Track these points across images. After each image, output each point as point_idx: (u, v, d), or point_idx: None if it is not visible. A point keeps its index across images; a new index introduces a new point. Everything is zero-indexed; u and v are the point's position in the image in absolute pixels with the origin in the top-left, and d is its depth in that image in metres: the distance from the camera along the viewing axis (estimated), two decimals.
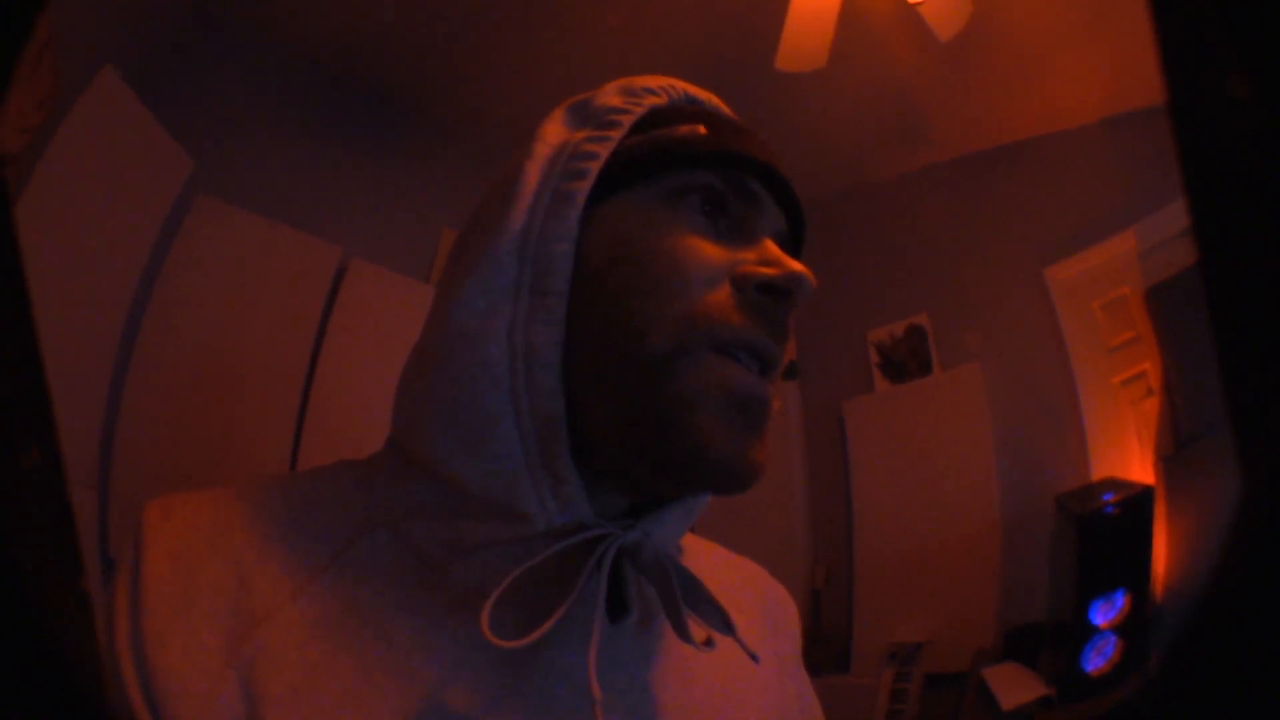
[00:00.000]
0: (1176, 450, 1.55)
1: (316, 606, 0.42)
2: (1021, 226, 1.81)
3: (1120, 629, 1.53)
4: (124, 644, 0.40)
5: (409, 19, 1.45)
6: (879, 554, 1.82)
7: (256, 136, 1.35)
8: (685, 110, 0.50)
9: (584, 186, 0.46)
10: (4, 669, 0.23)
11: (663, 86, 0.51)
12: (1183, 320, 1.51)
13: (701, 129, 0.48)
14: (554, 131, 0.49)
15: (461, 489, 0.44)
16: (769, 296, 0.45)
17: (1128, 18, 1.31)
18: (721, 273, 0.45)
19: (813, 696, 0.59)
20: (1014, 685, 1.57)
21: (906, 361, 1.91)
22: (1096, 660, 1.54)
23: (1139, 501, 1.54)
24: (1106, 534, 1.55)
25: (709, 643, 0.44)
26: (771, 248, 0.47)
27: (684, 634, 0.43)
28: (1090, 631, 1.54)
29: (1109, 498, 1.58)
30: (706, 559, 0.57)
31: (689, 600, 0.45)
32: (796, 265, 0.45)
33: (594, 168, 0.46)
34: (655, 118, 0.49)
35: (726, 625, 0.45)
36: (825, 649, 1.82)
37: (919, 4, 1.43)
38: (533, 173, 0.47)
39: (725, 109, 0.54)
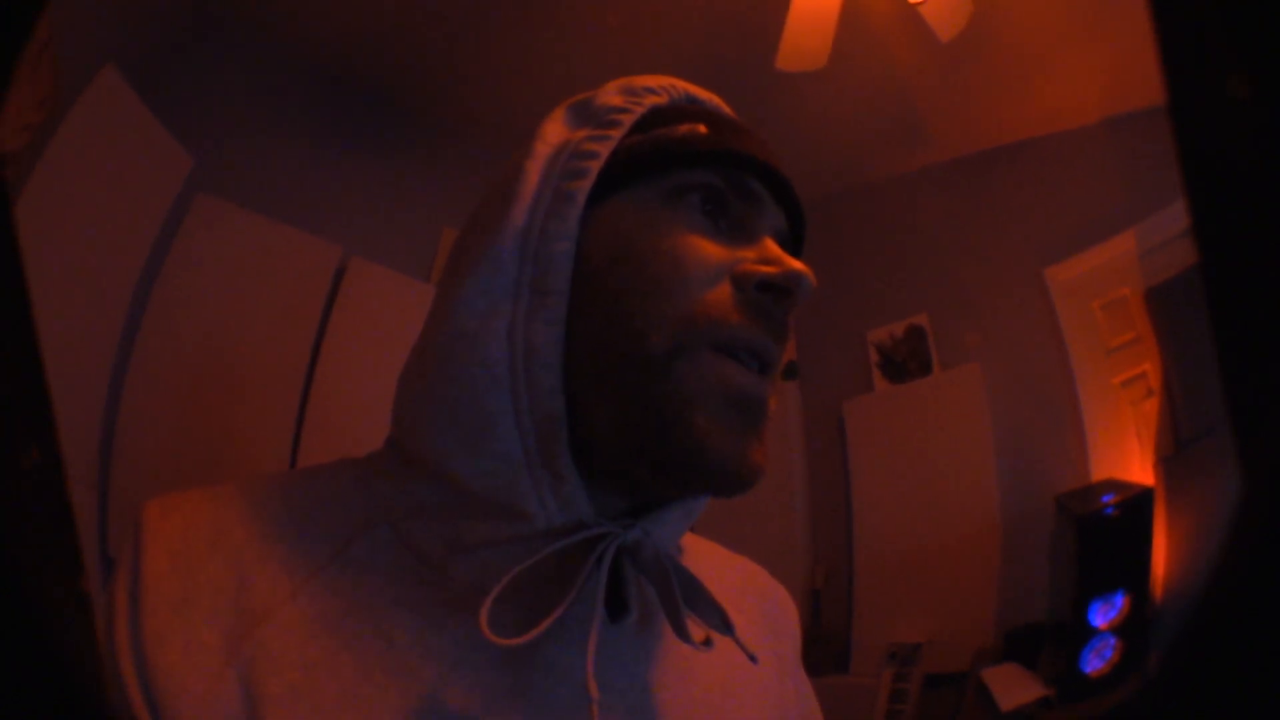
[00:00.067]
0: (1176, 451, 1.55)
1: (316, 605, 0.42)
2: (1022, 226, 1.81)
3: (1119, 630, 1.53)
4: (123, 643, 0.40)
5: (409, 19, 1.45)
6: (879, 554, 1.82)
7: (257, 136, 1.35)
8: (686, 109, 0.50)
9: (584, 186, 0.46)
10: (4, 669, 0.23)
11: (663, 86, 0.51)
12: (1183, 321, 1.51)
13: (702, 128, 0.48)
14: (554, 131, 0.49)
15: (461, 488, 0.44)
16: (769, 295, 0.45)
17: (1128, 18, 1.31)
18: (722, 271, 0.45)
19: (812, 697, 0.59)
20: (1013, 686, 1.57)
21: (906, 361, 1.91)
22: (1095, 661, 1.54)
23: (1139, 502, 1.54)
24: (1106, 535, 1.55)
25: (708, 642, 0.44)
26: (772, 246, 0.47)
27: (683, 634, 0.43)
28: (1089, 632, 1.54)
29: (1109, 498, 1.58)
30: (706, 559, 0.57)
31: (688, 600, 0.45)
32: (797, 264, 0.45)
33: (595, 167, 0.46)
34: (656, 117, 0.49)
35: (725, 625, 0.45)
36: (825, 649, 1.82)
37: (920, 4, 1.43)
38: (533, 172, 0.47)
39: (726, 108, 0.54)
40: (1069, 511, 1.61)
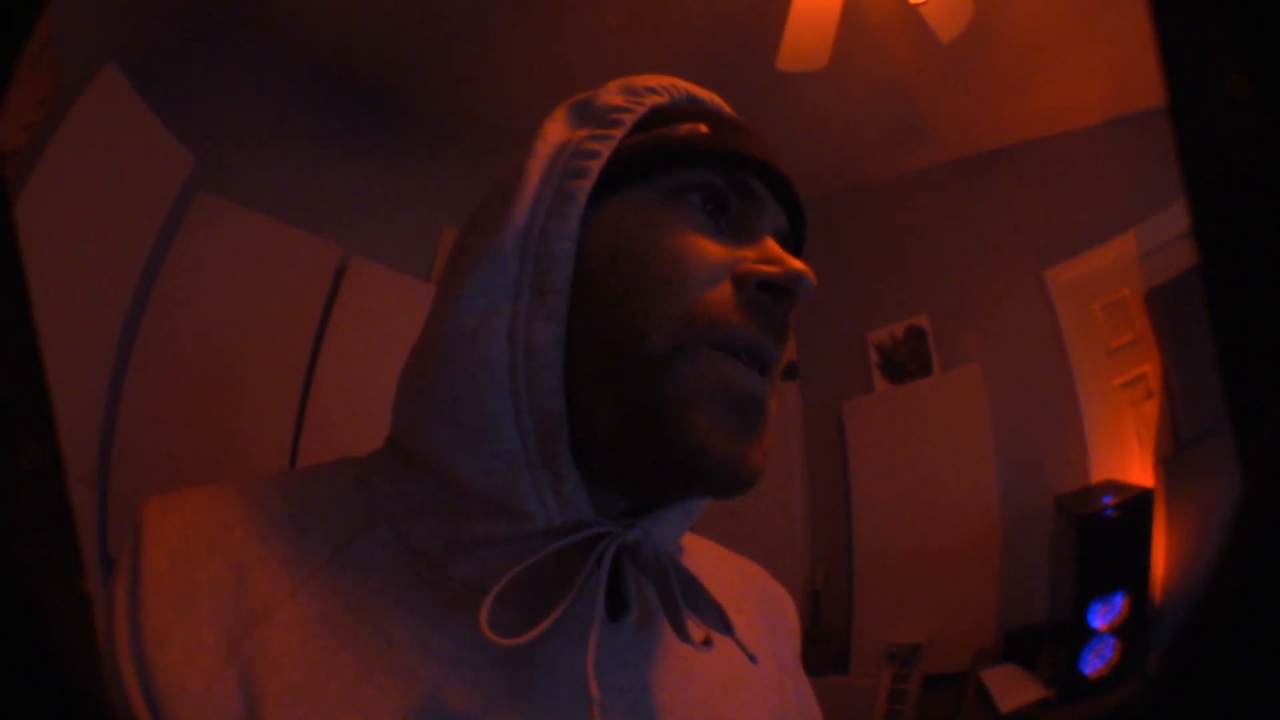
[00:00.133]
0: (1176, 452, 1.55)
1: (316, 604, 0.42)
2: (1022, 227, 1.81)
3: (1119, 631, 1.53)
4: (123, 642, 0.40)
5: (409, 19, 1.45)
6: (879, 554, 1.82)
7: (257, 135, 1.35)
8: (687, 109, 0.50)
9: (586, 185, 0.46)
10: (4, 669, 0.23)
11: (664, 86, 0.51)
12: (1183, 321, 1.51)
13: (703, 128, 0.48)
14: (556, 130, 0.49)
15: (461, 487, 0.44)
16: (769, 295, 0.45)
17: (1128, 18, 1.31)
18: (723, 271, 0.45)
19: (812, 697, 0.59)
20: (1013, 687, 1.57)
21: (906, 362, 1.91)
22: (1095, 662, 1.54)
23: (1138, 503, 1.54)
24: (1106, 536, 1.55)
25: (707, 642, 0.44)
26: (772, 246, 0.47)
27: (682, 634, 0.43)
28: (1089, 633, 1.54)
29: (1109, 500, 1.58)
30: (706, 559, 0.57)
31: (688, 600, 0.45)
32: (797, 263, 0.45)
33: (596, 166, 0.46)
34: (657, 117, 0.49)
35: (725, 625, 0.45)
36: (825, 649, 1.82)
37: (921, 4, 1.43)
38: (534, 171, 0.47)
39: (727, 108, 0.54)
40: (1069, 512, 1.61)
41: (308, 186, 1.41)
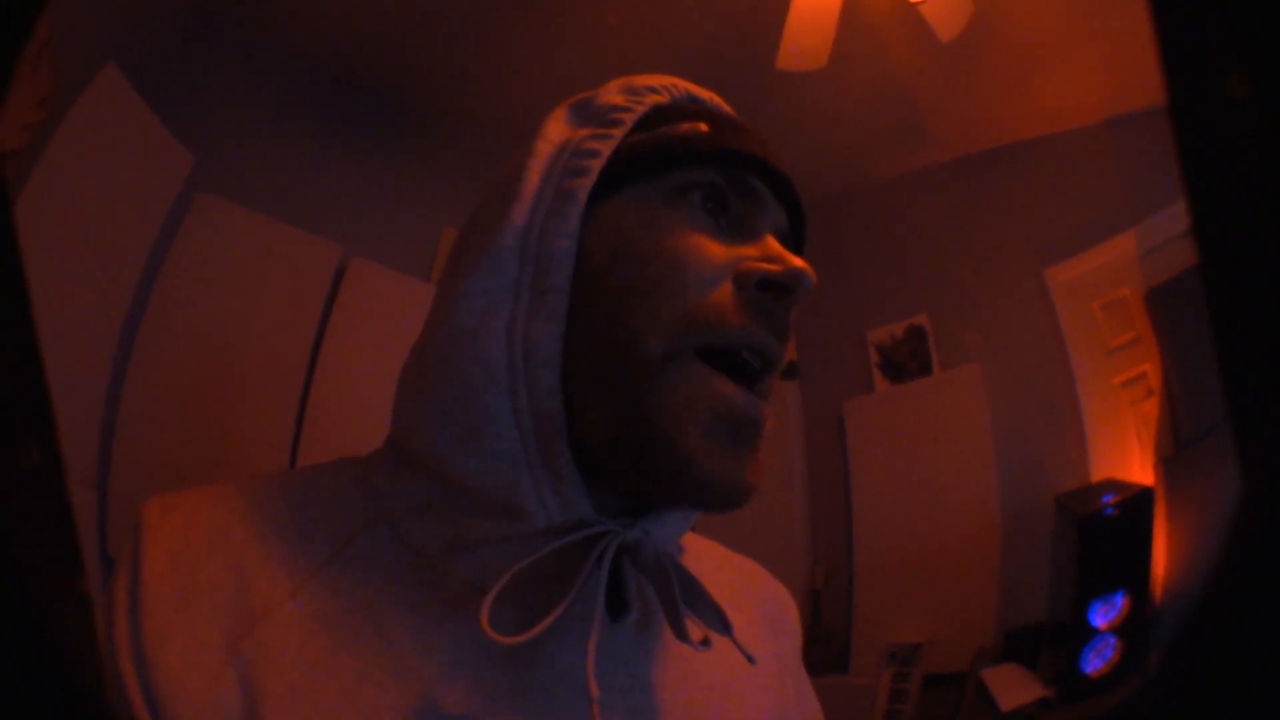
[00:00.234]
0: (1176, 451, 1.55)
1: (316, 604, 0.42)
2: (1022, 227, 1.81)
3: (1119, 630, 1.53)
4: (123, 642, 0.40)
5: (409, 19, 1.45)
6: (879, 554, 1.82)
7: (257, 135, 1.35)
8: (687, 108, 0.50)
9: (586, 184, 0.46)
10: (4, 669, 0.23)
11: (665, 85, 0.51)
12: (1183, 321, 1.51)
13: (703, 127, 0.48)
14: (556, 129, 0.49)
15: (461, 487, 0.44)
16: (770, 294, 0.45)
17: (1128, 18, 1.31)
18: (724, 270, 0.45)
19: (812, 696, 0.59)
20: (1013, 686, 1.57)
21: (906, 362, 1.91)
22: (1095, 662, 1.54)
23: (1139, 503, 1.54)
24: (1106, 535, 1.55)
25: (705, 642, 0.44)
26: (773, 244, 0.47)
27: (681, 633, 0.43)
28: (1089, 633, 1.54)
29: (1109, 499, 1.58)
30: (706, 558, 0.57)
31: (687, 600, 0.45)
32: (798, 260, 0.45)
33: (596, 165, 0.46)
34: (657, 116, 0.49)
35: (724, 625, 0.45)
36: (825, 649, 1.81)
37: (920, 4, 1.43)
38: (535, 170, 0.47)
39: (727, 108, 0.54)
40: (1069, 511, 1.61)
41: (308, 187, 1.41)
